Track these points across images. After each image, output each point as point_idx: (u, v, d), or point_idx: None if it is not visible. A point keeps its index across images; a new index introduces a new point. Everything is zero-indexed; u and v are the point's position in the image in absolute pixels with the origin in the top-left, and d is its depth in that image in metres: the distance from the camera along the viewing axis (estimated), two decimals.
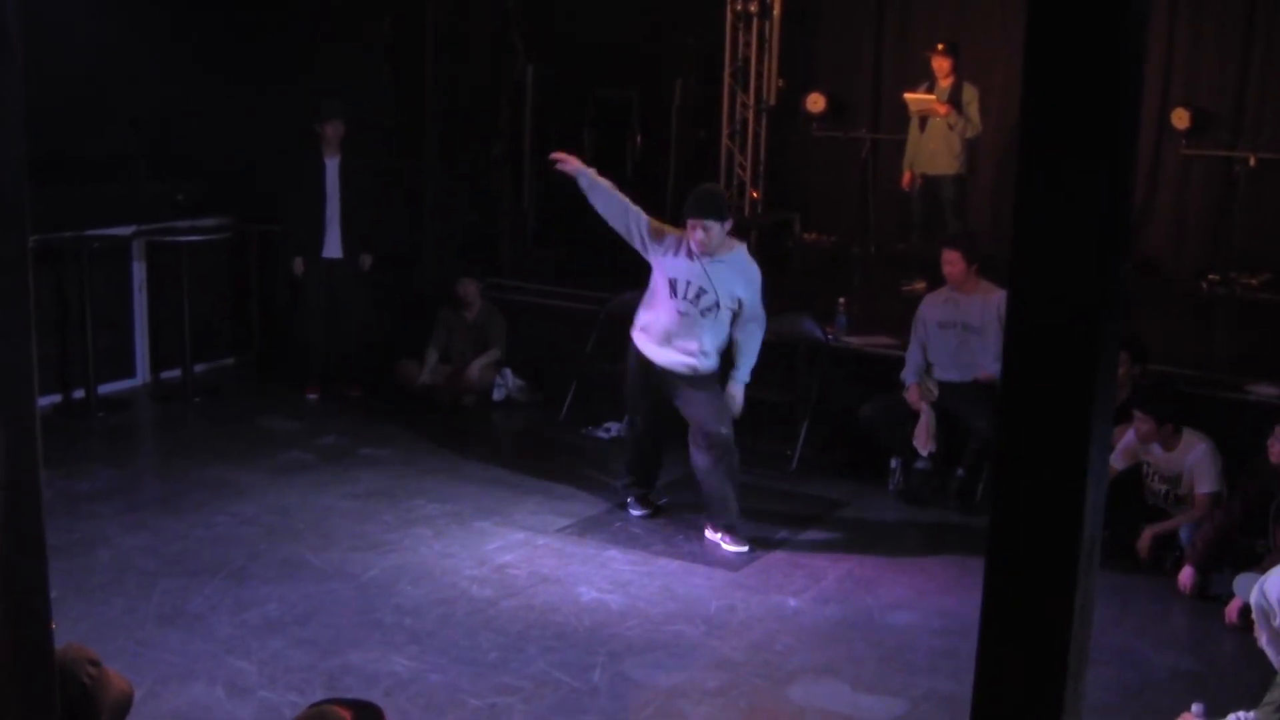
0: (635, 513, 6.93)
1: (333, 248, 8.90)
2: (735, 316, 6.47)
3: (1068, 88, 1.68)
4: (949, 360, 7.28)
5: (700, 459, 6.58)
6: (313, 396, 9.03)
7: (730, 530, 6.56)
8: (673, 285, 6.43)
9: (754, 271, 6.50)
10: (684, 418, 6.64)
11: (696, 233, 6.28)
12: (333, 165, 8.83)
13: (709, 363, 6.53)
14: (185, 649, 5.28)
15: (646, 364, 6.62)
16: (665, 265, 6.45)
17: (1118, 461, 6.43)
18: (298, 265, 8.96)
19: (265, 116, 9.09)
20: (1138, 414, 6.32)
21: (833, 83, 11.94)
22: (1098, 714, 4.80)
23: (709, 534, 6.63)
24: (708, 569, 6.31)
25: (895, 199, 11.15)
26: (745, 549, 6.51)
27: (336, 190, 8.83)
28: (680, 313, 6.41)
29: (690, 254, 6.37)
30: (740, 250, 6.51)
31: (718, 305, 6.38)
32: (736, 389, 6.58)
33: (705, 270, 6.36)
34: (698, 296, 6.38)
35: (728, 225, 6.35)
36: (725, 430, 6.53)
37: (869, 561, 6.44)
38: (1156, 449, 6.39)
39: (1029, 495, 1.78)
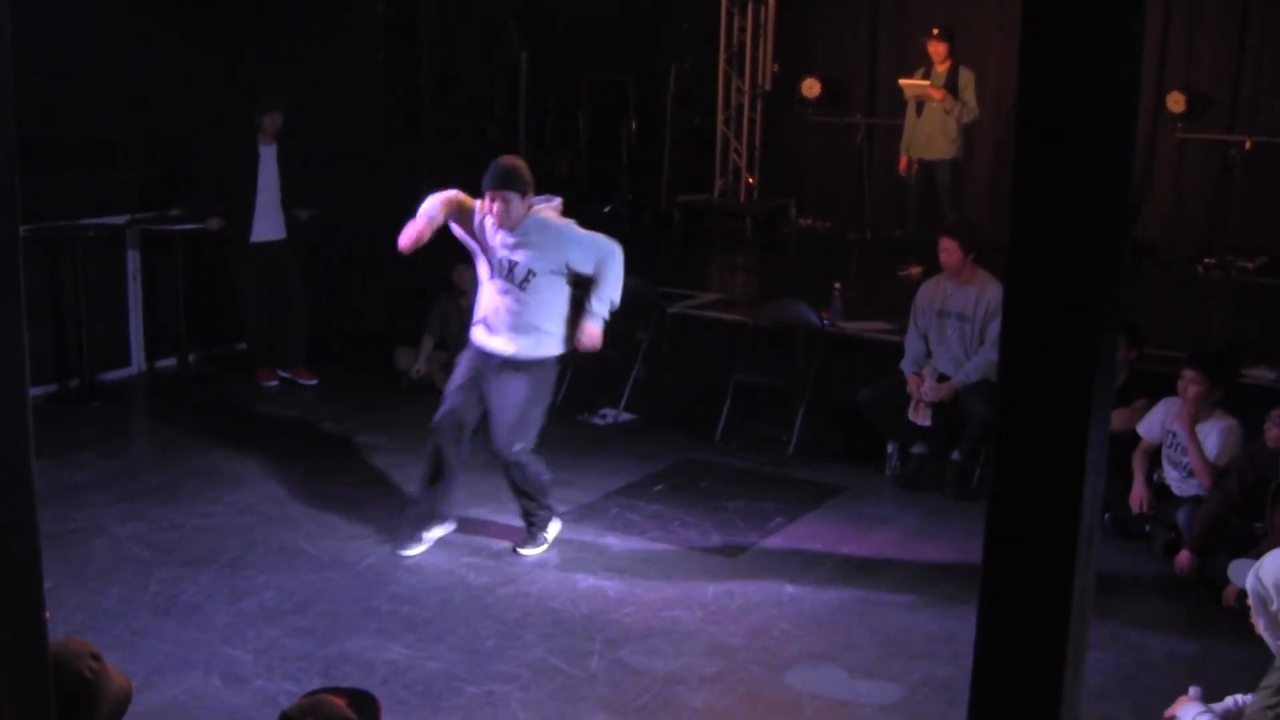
0: (404, 551, 6.18)
1: (263, 231, 8.83)
2: (575, 277, 6.03)
3: (1066, 69, 1.66)
4: (944, 350, 7.27)
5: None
6: (270, 383, 9.00)
7: (531, 529, 6.31)
8: (492, 267, 6.05)
9: (565, 229, 5.99)
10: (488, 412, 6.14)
11: (495, 204, 5.85)
12: (268, 153, 8.76)
13: (543, 346, 6.06)
14: (181, 638, 5.28)
15: (476, 357, 6.17)
16: (484, 247, 6.06)
17: (1154, 433, 6.41)
18: (212, 223, 8.86)
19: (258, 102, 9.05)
20: (1189, 373, 6.19)
21: (828, 67, 11.94)
22: (1095, 698, 4.80)
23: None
24: (705, 555, 6.31)
25: (891, 184, 11.16)
26: (541, 548, 6.26)
27: (274, 177, 8.78)
28: (501, 293, 6.01)
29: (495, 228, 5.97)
30: (541, 215, 5.96)
31: (532, 274, 5.94)
32: (594, 323, 6.02)
33: (511, 243, 5.95)
34: (510, 271, 5.97)
35: (529, 198, 5.90)
36: (517, 446, 6.07)
37: (866, 547, 6.44)
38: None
39: (1028, 481, 1.77)
